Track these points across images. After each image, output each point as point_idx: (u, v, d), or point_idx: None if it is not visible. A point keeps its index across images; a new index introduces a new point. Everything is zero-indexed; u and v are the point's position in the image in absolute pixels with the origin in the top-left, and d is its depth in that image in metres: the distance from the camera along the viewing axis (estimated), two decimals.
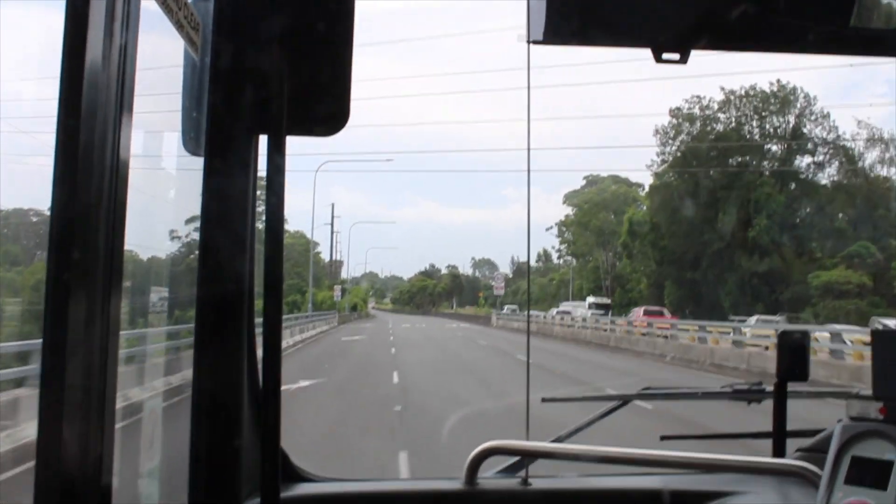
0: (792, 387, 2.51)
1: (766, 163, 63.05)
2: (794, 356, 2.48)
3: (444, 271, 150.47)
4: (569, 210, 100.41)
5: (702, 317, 46.17)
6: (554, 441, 2.39)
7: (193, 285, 1.64)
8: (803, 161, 62.71)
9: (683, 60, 1.84)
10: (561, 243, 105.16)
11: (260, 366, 1.66)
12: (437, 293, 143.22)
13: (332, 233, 79.04)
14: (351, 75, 1.52)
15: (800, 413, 2.55)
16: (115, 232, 0.99)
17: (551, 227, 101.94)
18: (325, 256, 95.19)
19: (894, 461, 1.74)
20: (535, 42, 1.76)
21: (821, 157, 61.97)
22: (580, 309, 63.32)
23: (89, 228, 0.96)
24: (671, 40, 1.82)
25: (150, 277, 1.87)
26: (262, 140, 1.52)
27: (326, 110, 1.54)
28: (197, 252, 1.64)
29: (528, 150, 2.17)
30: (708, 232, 59.37)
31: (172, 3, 1.23)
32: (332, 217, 79.85)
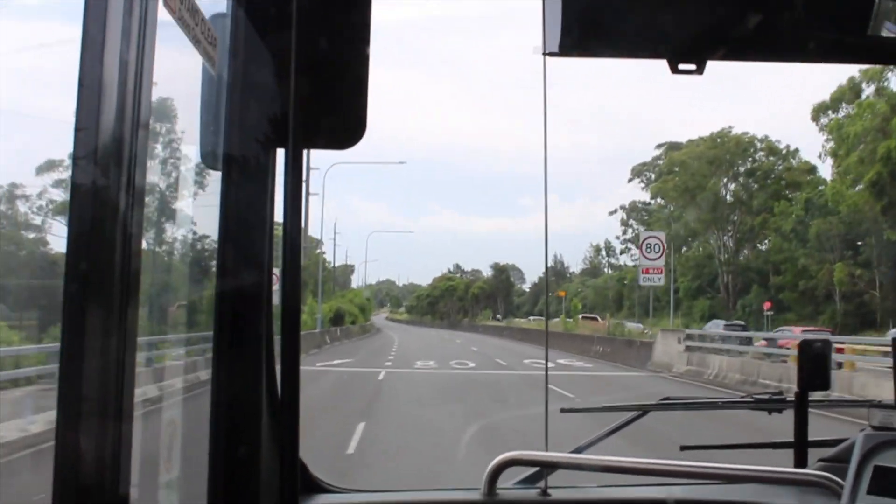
0: (813, 396, 2.49)
1: None
2: (815, 366, 2.46)
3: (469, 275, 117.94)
4: (638, 188, 74.91)
5: None
6: (573, 452, 2.38)
7: (211, 295, 1.66)
8: None
9: (699, 71, 1.83)
10: (625, 233, 79.15)
11: (279, 376, 1.67)
12: (471, 297, 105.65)
13: (306, 193, 41.98)
14: (367, 89, 1.54)
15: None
16: (131, 237, 1.00)
17: (615, 211, 79.41)
18: (338, 261, 75.86)
19: None
20: (551, 54, 1.77)
21: None
22: None
23: (106, 234, 0.97)
24: (687, 51, 1.82)
25: (168, 286, 1.89)
26: (280, 153, 1.54)
27: (343, 124, 1.56)
28: (215, 262, 1.65)
29: (546, 157, 2.17)
30: None
31: (189, 20, 1.25)
32: (307, 168, 50.11)
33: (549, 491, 2.12)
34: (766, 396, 2.65)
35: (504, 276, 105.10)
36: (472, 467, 5.68)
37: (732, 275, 57.61)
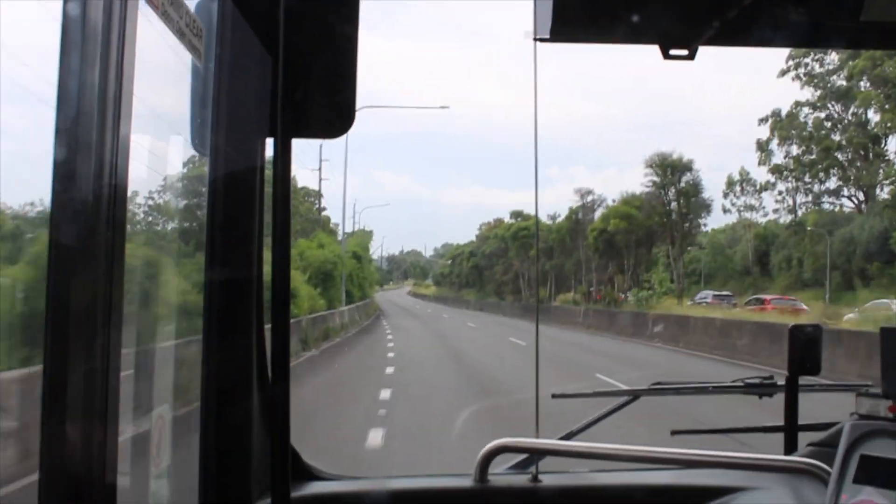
0: (803, 380, 2.51)
1: None
2: (806, 350, 2.48)
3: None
4: (794, 86, 49.46)
5: None
6: (564, 437, 2.39)
7: (200, 286, 1.66)
8: None
9: (691, 56, 1.83)
10: (766, 160, 48.64)
11: (269, 365, 1.68)
12: (591, 245, 51.74)
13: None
14: (356, 79, 1.53)
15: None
16: (115, 228, 0.99)
17: (766, 119, 50.15)
18: (334, 217, 59.08)
19: None
20: (542, 40, 1.76)
21: None
22: None
23: (90, 223, 0.97)
24: (679, 36, 1.81)
25: (155, 275, 1.89)
26: (269, 142, 1.54)
27: (331, 114, 1.55)
28: (203, 251, 1.65)
29: (536, 142, 2.17)
30: None
31: (173, 13, 1.23)
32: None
33: (540, 476, 2.14)
34: (757, 381, 2.66)
35: (687, 187, 49.67)
36: None
37: None
